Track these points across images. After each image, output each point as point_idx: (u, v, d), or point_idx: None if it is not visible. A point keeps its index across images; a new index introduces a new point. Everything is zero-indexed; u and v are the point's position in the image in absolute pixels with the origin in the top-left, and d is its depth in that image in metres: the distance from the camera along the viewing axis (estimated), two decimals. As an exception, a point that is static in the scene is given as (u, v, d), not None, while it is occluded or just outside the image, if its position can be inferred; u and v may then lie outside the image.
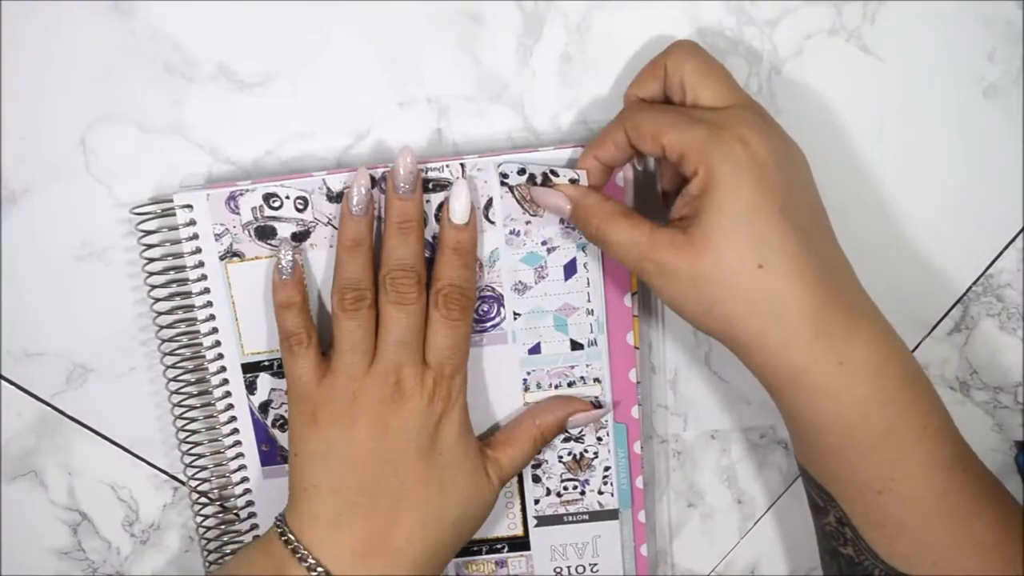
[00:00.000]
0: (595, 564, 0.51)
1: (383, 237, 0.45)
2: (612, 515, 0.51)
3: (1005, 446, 0.52)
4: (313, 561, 0.43)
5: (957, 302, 0.50)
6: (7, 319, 0.49)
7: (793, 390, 0.40)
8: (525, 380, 0.49)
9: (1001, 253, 0.50)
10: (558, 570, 0.51)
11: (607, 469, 0.50)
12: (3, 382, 0.50)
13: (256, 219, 0.46)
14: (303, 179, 0.45)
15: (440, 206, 0.46)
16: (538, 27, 0.46)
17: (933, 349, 0.51)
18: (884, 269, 0.49)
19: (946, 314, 0.51)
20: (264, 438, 0.49)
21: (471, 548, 0.51)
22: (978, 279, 0.50)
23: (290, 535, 0.43)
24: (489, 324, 0.48)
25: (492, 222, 0.46)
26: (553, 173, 0.44)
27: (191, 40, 0.46)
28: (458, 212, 0.44)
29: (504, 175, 0.45)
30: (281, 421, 0.48)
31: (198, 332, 0.47)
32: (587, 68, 0.47)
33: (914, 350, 0.51)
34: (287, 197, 0.45)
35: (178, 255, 0.47)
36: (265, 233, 0.46)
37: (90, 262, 0.49)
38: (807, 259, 0.39)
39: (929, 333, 0.51)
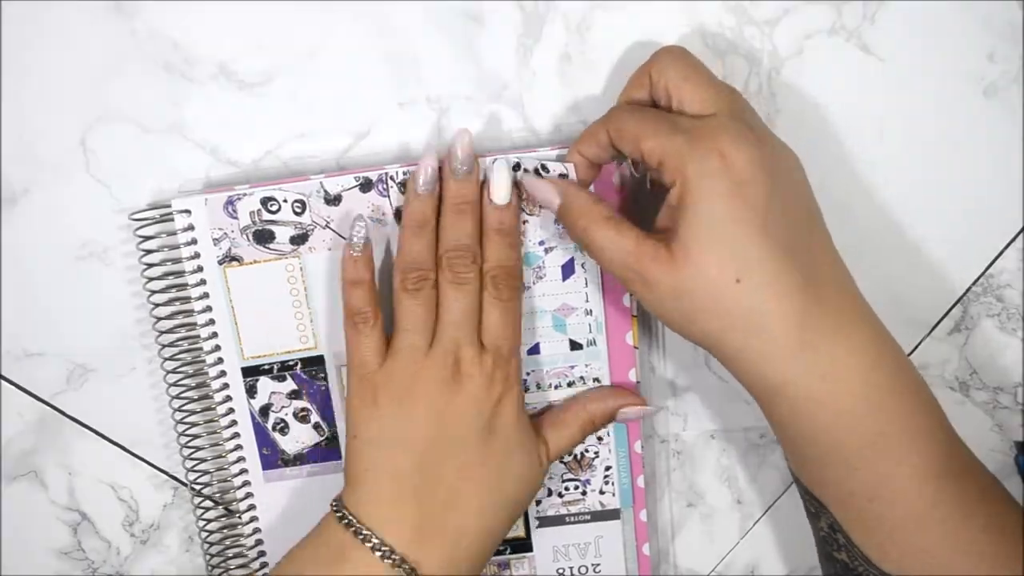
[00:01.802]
0: (598, 564, 0.51)
1: (440, 219, 0.45)
2: (614, 515, 0.51)
3: (1005, 446, 0.52)
4: (377, 540, 0.43)
5: (957, 302, 0.50)
6: (7, 319, 0.49)
7: (776, 401, 0.40)
8: (525, 380, 0.48)
9: (1001, 253, 0.50)
10: (561, 571, 0.51)
11: (608, 469, 0.50)
12: (3, 382, 0.50)
13: (254, 223, 0.46)
14: (301, 182, 0.45)
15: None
16: (538, 27, 0.46)
17: (933, 349, 0.51)
18: (884, 269, 0.49)
19: (946, 314, 0.51)
20: (265, 442, 0.49)
21: None
22: (978, 279, 0.50)
23: (351, 517, 0.43)
24: None
25: None
26: (544, 168, 0.44)
27: (191, 40, 0.46)
28: (499, 193, 0.44)
29: None
30: (282, 425, 0.48)
31: (198, 336, 0.47)
32: (587, 68, 0.47)
33: (914, 350, 0.51)
34: (285, 201, 0.45)
35: (177, 260, 0.47)
36: (263, 237, 0.46)
37: (90, 262, 0.48)
38: (787, 272, 0.38)
39: (929, 333, 0.51)
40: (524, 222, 0.46)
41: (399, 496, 0.43)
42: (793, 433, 0.41)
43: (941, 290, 0.50)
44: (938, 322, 0.51)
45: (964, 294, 0.50)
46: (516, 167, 0.45)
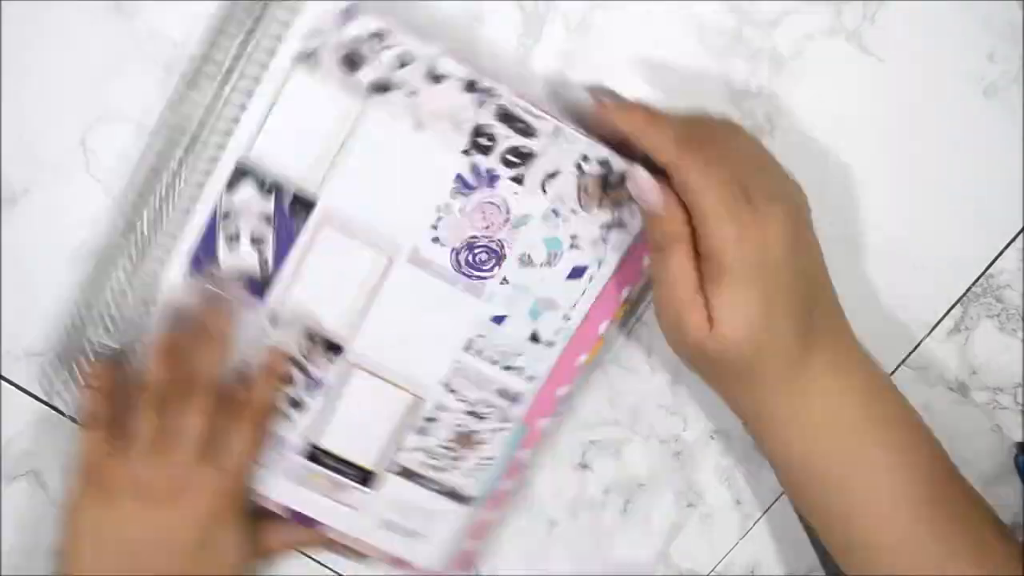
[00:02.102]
0: (422, 534, 0.50)
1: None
2: (464, 500, 0.50)
3: (1005, 447, 0.52)
4: None
5: (957, 302, 0.50)
6: (7, 319, 0.49)
7: (765, 433, 0.45)
8: (471, 340, 0.47)
9: (1001, 253, 0.50)
10: (386, 520, 0.50)
11: (487, 459, 0.49)
12: (3, 382, 0.50)
13: (353, 46, 0.43)
14: (424, 46, 0.43)
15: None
16: (538, 27, 0.46)
17: (933, 349, 0.51)
18: (884, 269, 0.49)
19: (946, 314, 0.51)
20: (207, 244, 0.45)
21: (319, 456, 0.48)
22: (978, 279, 0.50)
23: None
24: (476, 274, 0.46)
25: (544, 192, 0.46)
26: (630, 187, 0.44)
27: (191, 40, 0.46)
28: None
29: (585, 158, 0.45)
30: (234, 237, 0.45)
31: (214, 121, 0.44)
32: (587, 68, 0.47)
33: (914, 350, 0.51)
34: (393, 47, 0.43)
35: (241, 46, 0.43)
36: (350, 62, 0.43)
37: (90, 262, 0.48)
38: (793, 337, 0.42)
39: (929, 333, 0.51)
40: (572, 212, 0.46)
41: None
42: (780, 459, 0.45)
43: (941, 290, 0.50)
44: (938, 322, 0.51)
45: (964, 294, 0.50)
46: (603, 163, 0.45)
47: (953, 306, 0.51)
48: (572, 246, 0.46)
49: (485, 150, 0.45)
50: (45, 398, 0.49)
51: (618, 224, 0.46)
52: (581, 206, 0.46)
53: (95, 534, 0.45)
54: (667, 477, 0.53)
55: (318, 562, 0.53)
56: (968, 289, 0.50)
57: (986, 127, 0.48)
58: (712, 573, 0.55)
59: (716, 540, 0.55)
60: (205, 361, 0.46)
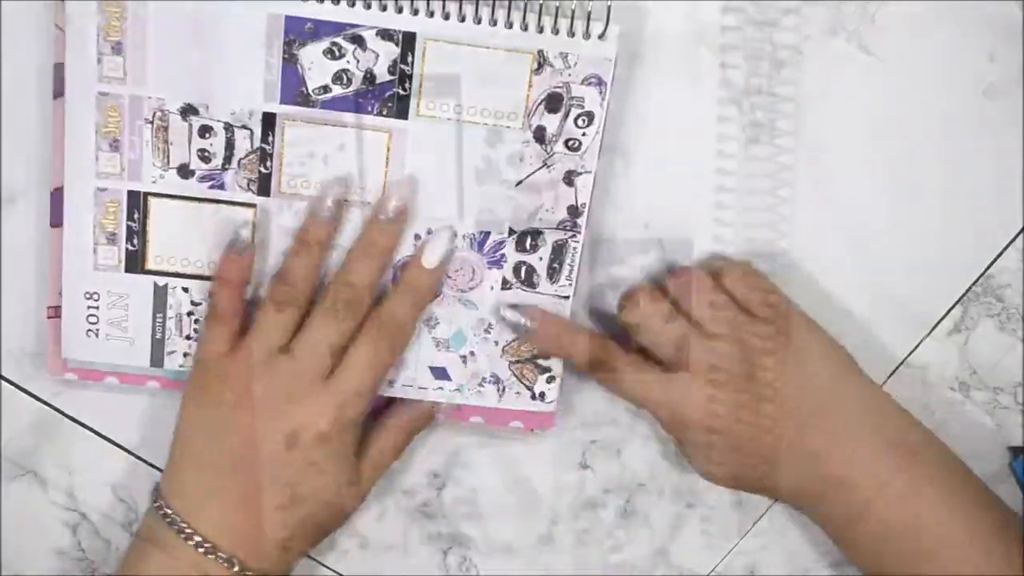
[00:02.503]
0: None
1: (352, 247, 0.45)
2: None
3: (1004, 446, 0.52)
4: (185, 526, 0.44)
5: (957, 302, 0.50)
6: (7, 319, 0.49)
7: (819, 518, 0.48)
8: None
9: (1001, 253, 0.50)
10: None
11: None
12: (3, 382, 0.50)
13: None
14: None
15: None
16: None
17: (933, 349, 0.51)
18: (884, 269, 0.49)
19: (946, 314, 0.51)
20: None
21: None
22: (978, 279, 0.50)
23: (162, 502, 0.45)
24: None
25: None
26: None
27: (191, 40, 0.46)
28: (431, 258, 0.45)
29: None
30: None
31: None
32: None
33: (914, 350, 0.51)
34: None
35: None
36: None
37: (90, 262, 0.48)
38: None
39: (929, 333, 0.51)
40: None
41: (201, 483, 0.45)
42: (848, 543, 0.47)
43: (941, 290, 0.50)
44: (938, 322, 0.51)
45: (964, 294, 0.50)
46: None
47: (953, 306, 0.51)
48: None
49: None
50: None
51: None
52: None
53: (192, 428, 0.45)
54: (667, 477, 0.53)
55: (320, 563, 0.53)
56: (968, 289, 0.50)
57: (986, 127, 0.48)
58: (712, 573, 0.55)
59: (716, 540, 0.55)
60: (360, 274, 0.44)
